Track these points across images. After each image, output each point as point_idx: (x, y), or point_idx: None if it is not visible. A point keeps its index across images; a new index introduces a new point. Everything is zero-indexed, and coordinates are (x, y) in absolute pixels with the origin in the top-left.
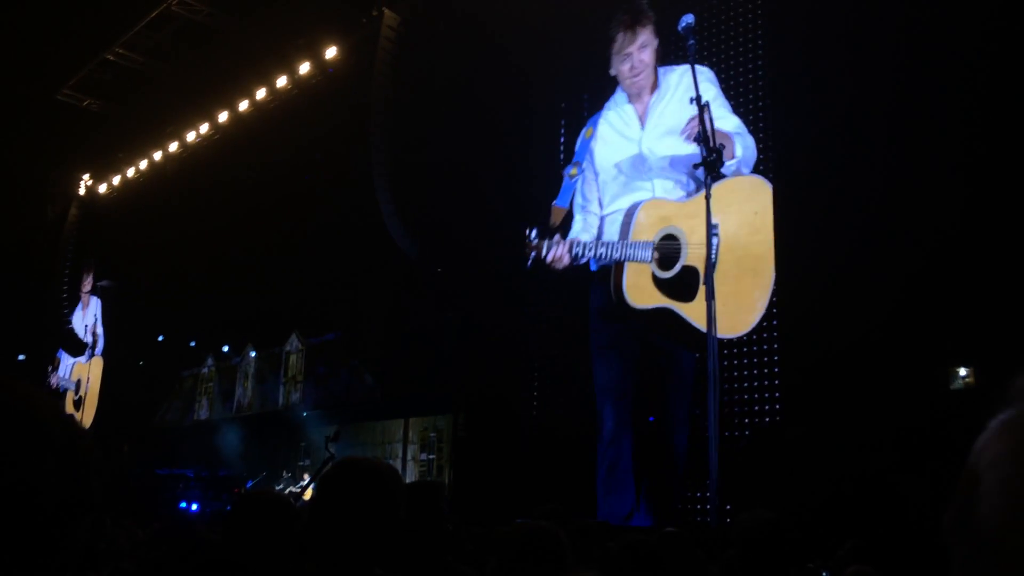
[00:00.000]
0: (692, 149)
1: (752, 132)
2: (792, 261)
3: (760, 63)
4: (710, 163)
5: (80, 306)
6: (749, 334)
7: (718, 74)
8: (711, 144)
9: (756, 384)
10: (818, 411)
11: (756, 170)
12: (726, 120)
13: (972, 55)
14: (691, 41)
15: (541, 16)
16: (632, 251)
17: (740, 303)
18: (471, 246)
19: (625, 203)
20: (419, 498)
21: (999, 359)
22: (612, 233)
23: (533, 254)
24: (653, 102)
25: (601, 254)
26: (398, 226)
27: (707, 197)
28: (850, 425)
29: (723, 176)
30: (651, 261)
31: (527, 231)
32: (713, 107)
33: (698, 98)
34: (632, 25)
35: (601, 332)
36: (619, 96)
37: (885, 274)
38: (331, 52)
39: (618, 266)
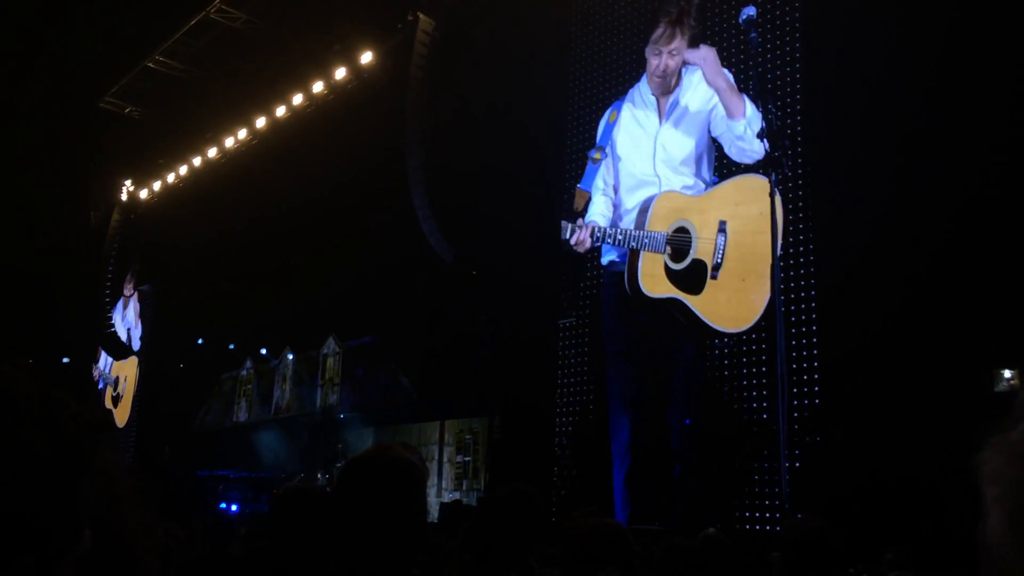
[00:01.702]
0: (701, 152)
1: (791, 132)
2: (830, 261)
3: (798, 65)
4: (774, 160)
5: (120, 307)
6: (754, 329)
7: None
8: (776, 142)
9: (795, 379)
10: (857, 414)
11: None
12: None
13: (1013, 57)
14: (753, 34)
15: (581, 18)
16: (648, 240)
17: (743, 300)
18: (507, 250)
19: (639, 197)
20: (509, 509)
21: None
22: (628, 224)
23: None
24: (674, 99)
25: (620, 240)
26: (434, 230)
27: (771, 195)
28: (891, 429)
29: (746, 170)
30: (664, 252)
31: (563, 224)
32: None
33: (763, 91)
34: (674, 24)
35: (613, 337)
36: (644, 86)
37: (928, 274)
38: (367, 57)
39: (633, 256)
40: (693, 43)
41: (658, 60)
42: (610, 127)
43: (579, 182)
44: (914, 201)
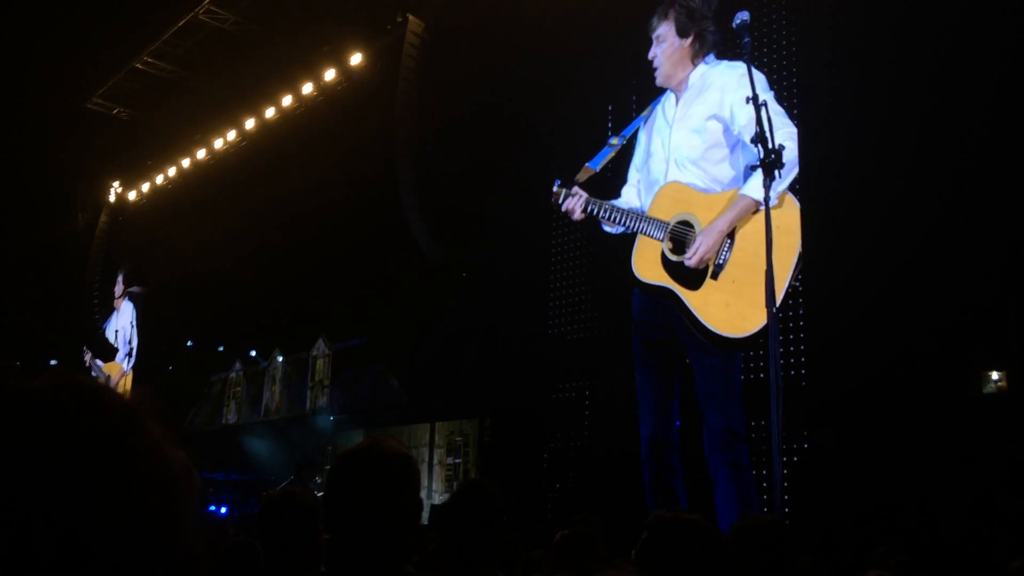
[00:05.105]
0: (712, 152)
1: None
2: (818, 262)
3: (794, 69)
4: (768, 165)
5: (115, 313)
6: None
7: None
8: (769, 145)
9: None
10: (845, 416)
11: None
12: (786, 128)
13: (1009, 64)
14: (746, 39)
15: (571, 16)
16: (647, 225)
17: (740, 308)
18: (497, 251)
19: (655, 192)
20: (472, 501)
21: None
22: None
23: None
24: (684, 97)
25: (616, 218)
26: (423, 231)
27: (766, 200)
28: (879, 431)
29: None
30: (663, 240)
31: (556, 182)
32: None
33: (755, 97)
34: (660, 13)
35: (637, 337)
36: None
37: (915, 277)
38: (356, 59)
39: (633, 238)
40: (683, 33)
41: (652, 50)
42: (638, 120)
43: (564, 180)
44: (901, 203)
